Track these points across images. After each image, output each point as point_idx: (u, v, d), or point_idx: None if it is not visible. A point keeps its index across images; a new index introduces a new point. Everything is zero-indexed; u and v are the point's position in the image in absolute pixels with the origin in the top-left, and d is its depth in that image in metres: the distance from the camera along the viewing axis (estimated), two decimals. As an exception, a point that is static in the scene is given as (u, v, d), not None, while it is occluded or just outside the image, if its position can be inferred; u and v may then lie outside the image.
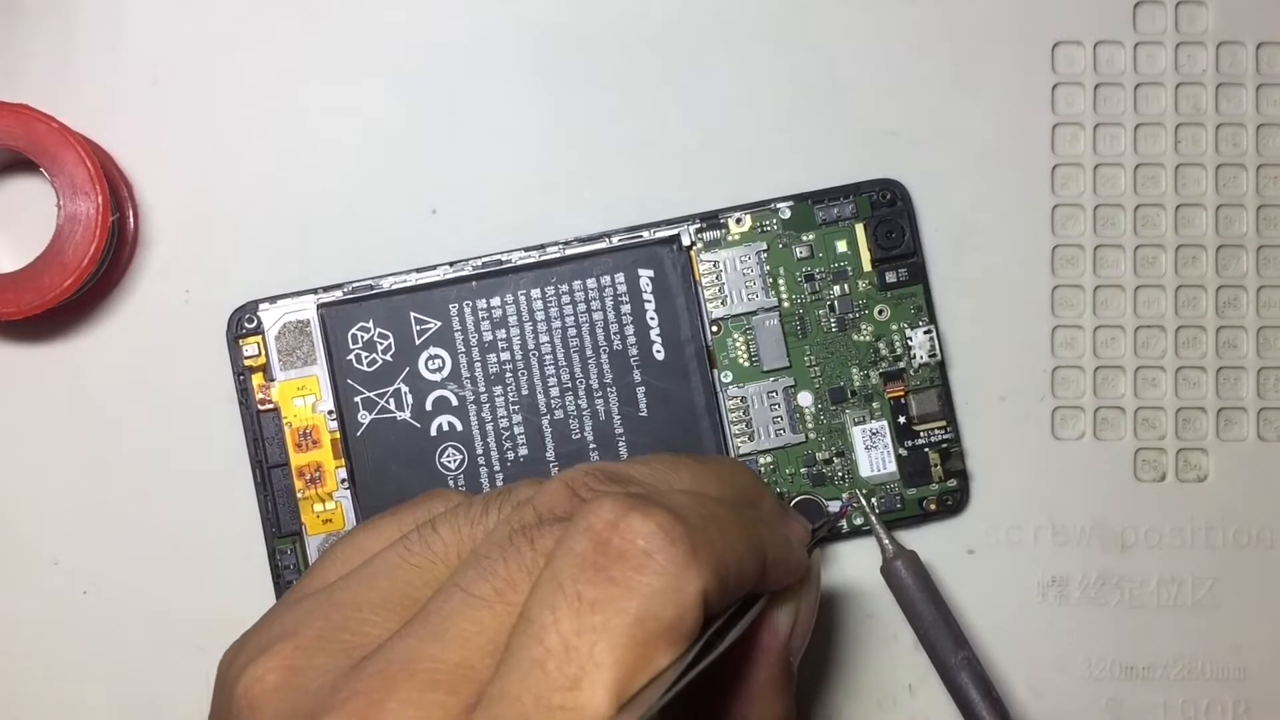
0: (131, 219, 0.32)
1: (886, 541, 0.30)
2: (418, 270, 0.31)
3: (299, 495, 0.31)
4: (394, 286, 0.31)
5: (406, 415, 0.31)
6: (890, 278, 0.31)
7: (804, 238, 0.31)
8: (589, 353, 0.31)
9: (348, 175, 0.32)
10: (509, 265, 0.31)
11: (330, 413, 0.31)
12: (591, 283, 0.31)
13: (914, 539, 0.31)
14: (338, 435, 0.31)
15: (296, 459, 0.31)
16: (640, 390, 0.31)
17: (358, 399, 0.31)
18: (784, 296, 0.31)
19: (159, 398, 0.32)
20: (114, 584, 0.32)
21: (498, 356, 0.31)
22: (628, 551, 0.21)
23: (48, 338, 0.32)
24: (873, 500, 0.31)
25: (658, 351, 0.31)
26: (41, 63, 0.32)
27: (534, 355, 0.31)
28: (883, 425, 0.31)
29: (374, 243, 0.32)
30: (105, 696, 0.32)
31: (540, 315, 0.31)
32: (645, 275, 0.31)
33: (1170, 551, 0.32)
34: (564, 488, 0.23)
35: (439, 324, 0.31)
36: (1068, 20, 0.32)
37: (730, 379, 0.31)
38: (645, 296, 0.31)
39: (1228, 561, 0.32)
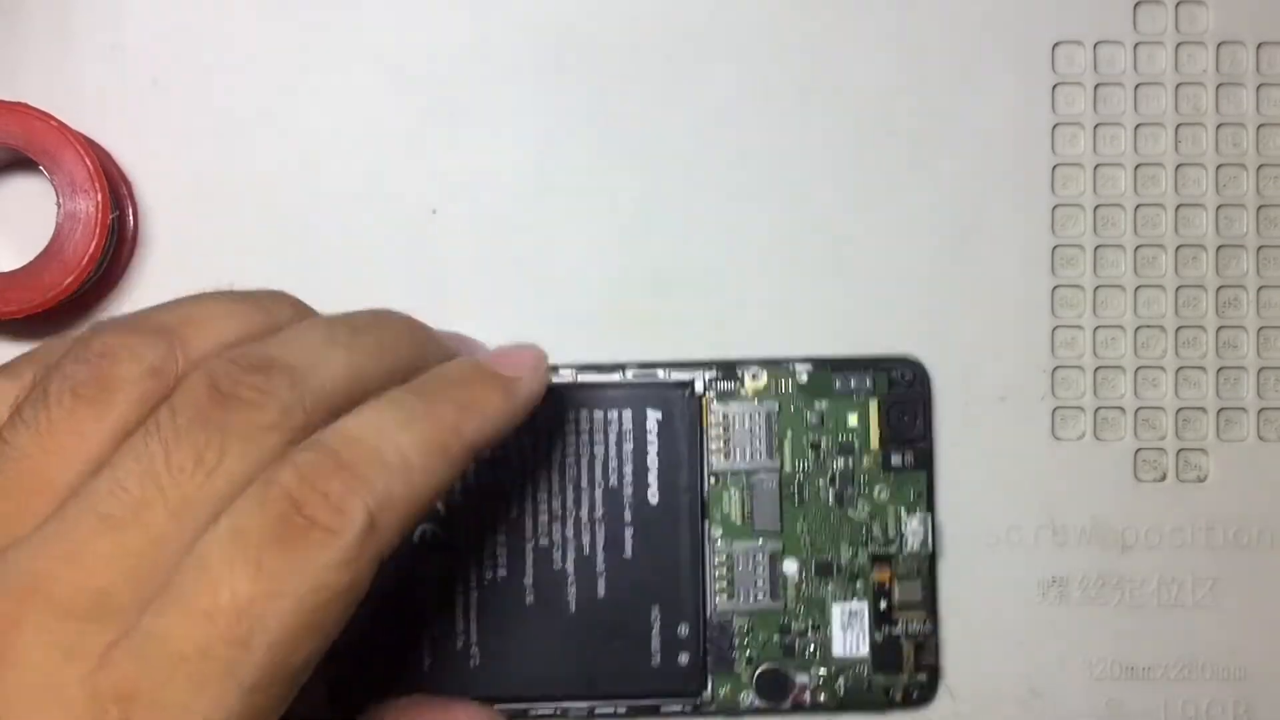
0: (131, 218, 0.32)
1: None
2: None
3: None
4: None
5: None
6: (895, 460, 0.31)
7: (817, 405, 0.31)
8: (583, 484, 0.31)
9: (348, 175, 0.32)
10: None
11: None
12: (598, 415, 0.31)
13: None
14: None
15: None
16: (629, 530, 0.31)
17: None
18: (787, 460, 0.31)
19: (158, 397, 0.32)
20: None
21: (495, 473, 0.31)
22: (313, 526, 0.21)
23: (48, 336, 0.32)
24: (839, 680, 0.31)
25: (652, 495, 0.31)
26: (41, 62, 0.32)
27: (528, 478, 0.31)
28: (863, 607, 0.31)
29: (374, 243, 0.32)
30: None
31: (542, 439, 0.31)
32: (653, 416, 0.31)
33: (1170, 551, 0.32)
34: (206, 386, 0.22)
35: None
36: (1068, 20, 0.32)
37: (720, 533, 0.31)
38: (650, 438, 0.31)
39: (1228, 561, 0.32)
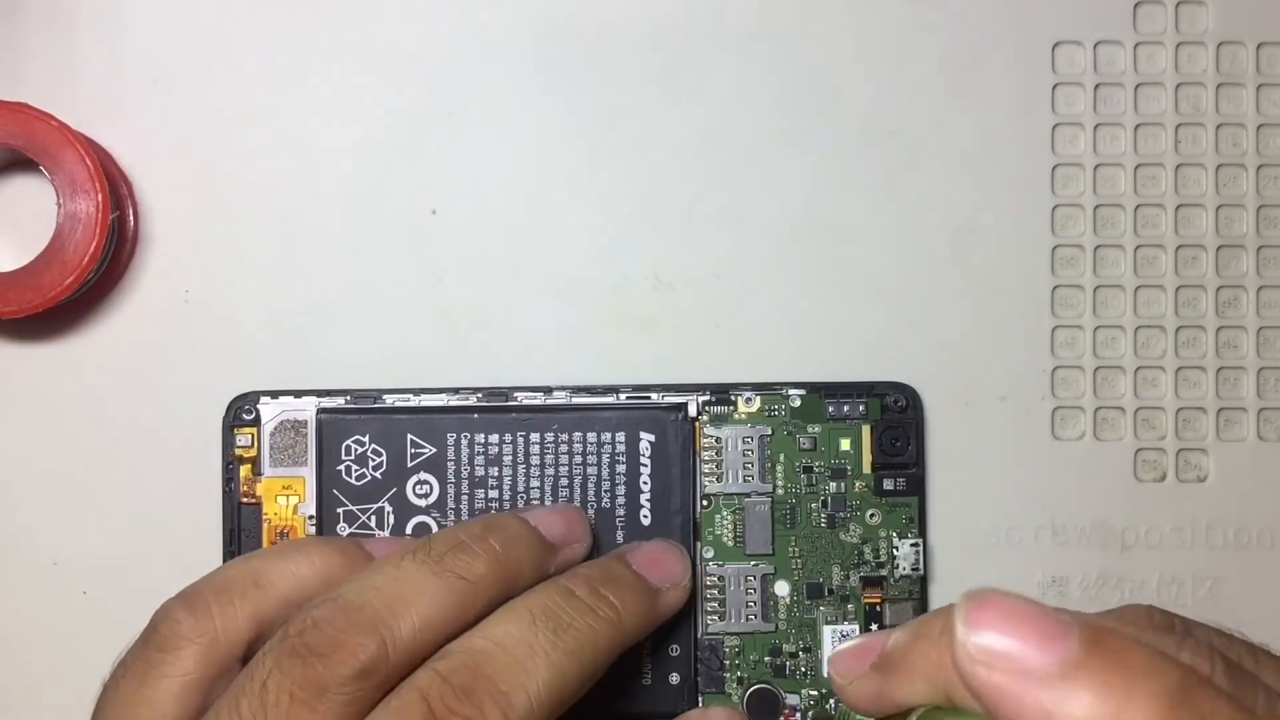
0: (131, 218, 0.32)
1: None
2: (424, 391, 0.31)
3: None
4: (396, 404, 0.31)
5: (385, 535, 0.31)
6: (888, 484, 0.31)
7: (810, 429, 0.31)
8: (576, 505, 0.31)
9: (347, 175, 0.32)
10: (514, 404, 0.31)
11: (310, 518, 0.31)
12: (592, 437, 0.31)
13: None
14: None
15: None
16: None
17: (340, 510, 0.31)
18: (779, 484, 0.31)
19: (158, 398, 0.32)
20: (114, 584, 0.32)
21: (486, 493, 0.31)
22: None
23: (48, 337, 0.32)
24: (829, 701, 0.31)
25: (644, 516, 0.31)
26: (41, 62, 0.32)
27: (522, 499, 0.31)
28: (854, 629, 0.31)
29: (374, 243, 0.32)
30: (104, 696, 0.32)
31: (535, 460, 0.31)
32: (646, 439, 0.31)
33: (1170, 551, 0.32)
34: (421, 711, 0.23)
35: (434, 450, 0.31)
36: (1068, 20, 0.32)
37: (711, 555, 0.31)
38: (643, 460, 0.31)
39: (1228, 561, 0.32)
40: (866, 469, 0.31)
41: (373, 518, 0.31)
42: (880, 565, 0.31)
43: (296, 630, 0.24)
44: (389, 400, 0.31)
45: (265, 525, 0.31)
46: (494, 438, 0.31)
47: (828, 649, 0.31)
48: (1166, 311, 0.32)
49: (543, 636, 0.25)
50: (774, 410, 0.31)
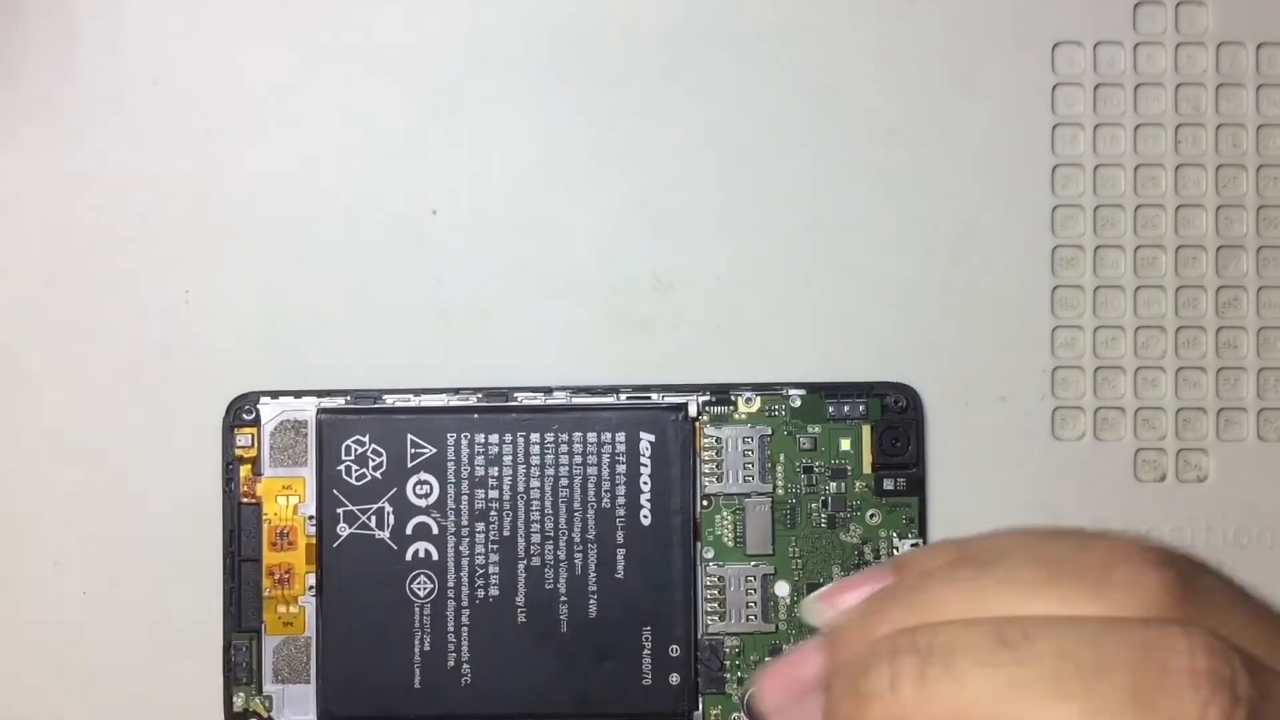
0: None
1: None
2: (424, 391, 0.31)
3: (265, 593, 0.31)
4: (396, 404, 0.31)
5: (385, 535, 0.31)
6: (888, 485, 0.31)
7: (810, 429, 0.31)
8: (576, 506, 0.31)
9: (347, 175, 0.32)
10: (514, 404, 0.31)
11: (310, 518, 0.31)
12: (592, 437, 0.31)
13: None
14: (314, 541, 0.31)
15: (269, 557, 0.31)
16: (620, 552, 0.31)
17: (340, 510, 0.31)
18: (779, 484, 0.31)
19: (158, 398, 0.32)
20: (114, 584, 0.32)
21: (486, 493, 0.31)
22: None
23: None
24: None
25: (645, 516, 0.31)
26: (41, 63, 0.32)
27: (522, 499, 0.31)
28: None
29: (374, 243, 0.32)
30: (105, 697, 0.32)
31: (535, 460, 0.31)
32: (646, 439, 0.31)
33: (1170, 551, 0.32)
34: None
35: (434, 450, 0.31)
36: (1068, 20, 0.32)
37: (712, 555, 0.31)
38: (643, 460, 0.31)
39: (1228, 561, 0.31)
40: (866, 469, 0.31)
41: (373, 518, 0.31)
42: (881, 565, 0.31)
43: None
44: (389, 400, 0.31)
45: (265, 525, 0.31)
46: (494, 438, 0.31)
47: None
48: (1166, 311, 0.32)
49: None
50: (774, 410, 0.31)
